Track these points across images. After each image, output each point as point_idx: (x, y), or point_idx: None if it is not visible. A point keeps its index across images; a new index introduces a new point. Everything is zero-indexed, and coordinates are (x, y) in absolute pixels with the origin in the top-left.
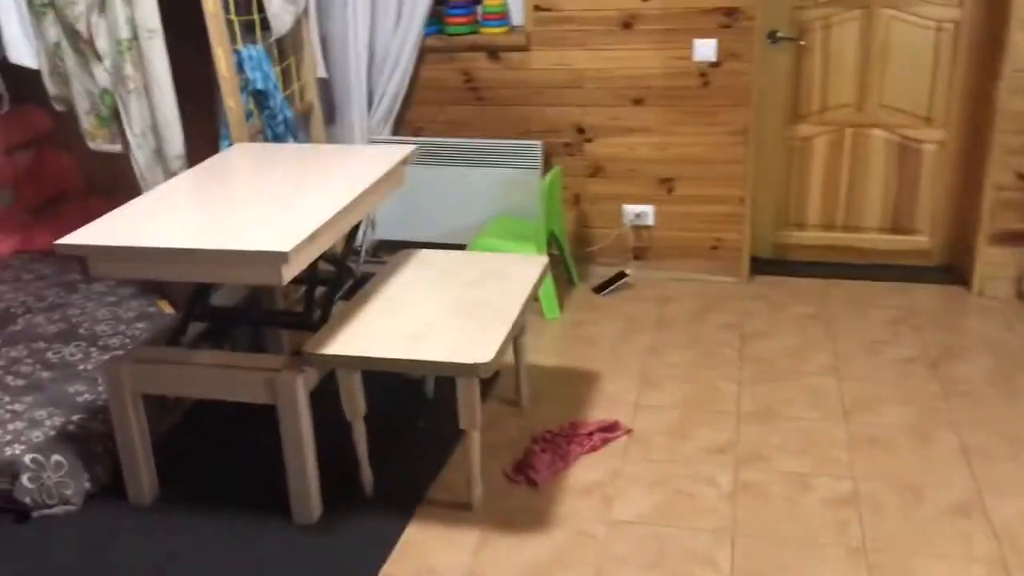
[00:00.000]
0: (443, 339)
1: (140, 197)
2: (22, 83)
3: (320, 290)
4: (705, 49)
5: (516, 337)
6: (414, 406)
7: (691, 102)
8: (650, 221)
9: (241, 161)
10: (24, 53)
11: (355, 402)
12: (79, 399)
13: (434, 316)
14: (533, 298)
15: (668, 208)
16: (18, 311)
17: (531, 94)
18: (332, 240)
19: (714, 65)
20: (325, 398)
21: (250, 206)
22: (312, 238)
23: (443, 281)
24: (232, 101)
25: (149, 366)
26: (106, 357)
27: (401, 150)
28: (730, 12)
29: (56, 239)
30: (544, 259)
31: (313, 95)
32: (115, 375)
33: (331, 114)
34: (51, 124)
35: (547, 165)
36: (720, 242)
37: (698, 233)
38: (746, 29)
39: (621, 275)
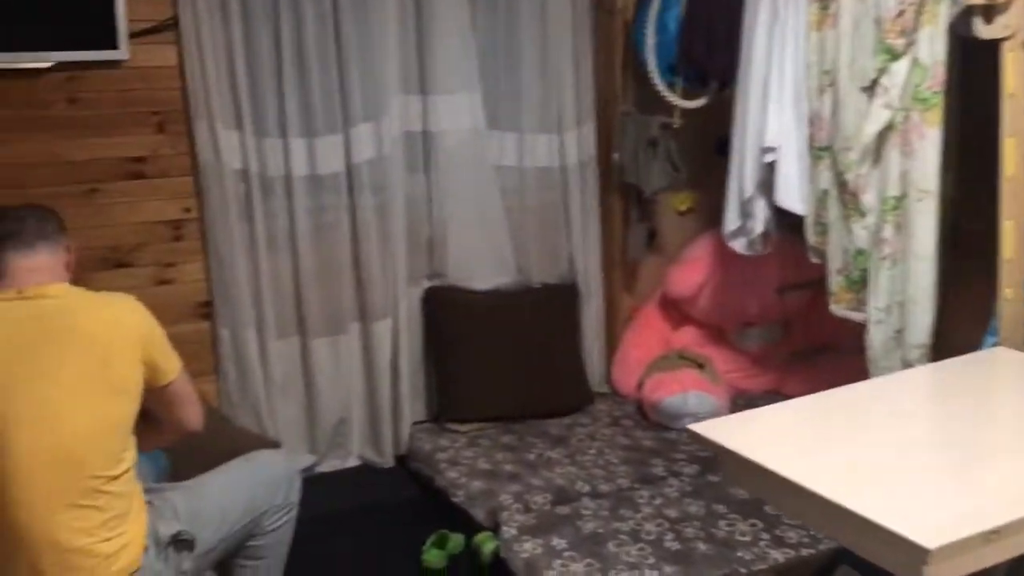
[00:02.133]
0: None
1: (843, 388)
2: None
3: None
4: None
5: None
6: None
7: None
8: None
9: (997, 372)
10: (794, 198)
11: None
12: None
13: None
14: None
15: None
16: None
17: None
18: None
19: None
20: None
21: (957, 448)
22: (993, 537)
23: None
24: (1011, 291)
25: None
26: (772, 552)
27: None
28: None
29: (807, 388)
30: None
31: None
32: None
33: None
34: None
35: None
36: None
37: None
38: None
39: None
